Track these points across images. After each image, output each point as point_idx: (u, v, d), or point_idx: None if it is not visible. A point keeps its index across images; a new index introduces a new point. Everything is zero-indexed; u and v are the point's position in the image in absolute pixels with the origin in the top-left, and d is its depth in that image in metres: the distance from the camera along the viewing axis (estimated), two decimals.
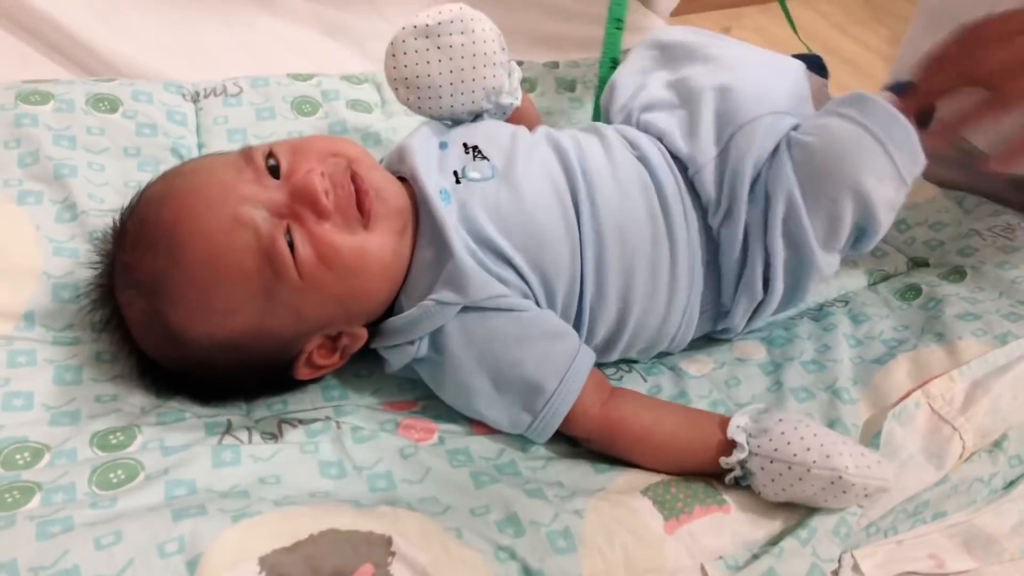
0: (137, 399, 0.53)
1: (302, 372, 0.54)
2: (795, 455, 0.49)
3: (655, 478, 0.52)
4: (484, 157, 0.57)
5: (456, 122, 0.62)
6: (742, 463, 0.51)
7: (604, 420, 0.54)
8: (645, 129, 0.63)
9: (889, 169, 0.57)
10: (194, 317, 0.50)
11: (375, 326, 0.56)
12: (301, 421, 0.54)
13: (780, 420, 0.51)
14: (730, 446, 0.51)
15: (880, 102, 0.58)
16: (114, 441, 0.49)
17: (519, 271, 0.54)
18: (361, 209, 0.53)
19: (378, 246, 0.53)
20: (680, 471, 0.53)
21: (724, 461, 0.51)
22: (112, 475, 0.46)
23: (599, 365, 0.62)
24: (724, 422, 0.53)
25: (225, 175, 0.52)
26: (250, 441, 0.51)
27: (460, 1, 0.59)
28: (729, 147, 0.59)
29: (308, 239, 0.50)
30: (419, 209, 0.55)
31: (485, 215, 0.55)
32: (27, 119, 0.64)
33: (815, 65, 0.74)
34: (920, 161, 0.59)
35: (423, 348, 0.54)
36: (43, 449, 0.48)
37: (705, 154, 0.60)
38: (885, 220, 0.59)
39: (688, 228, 0.60)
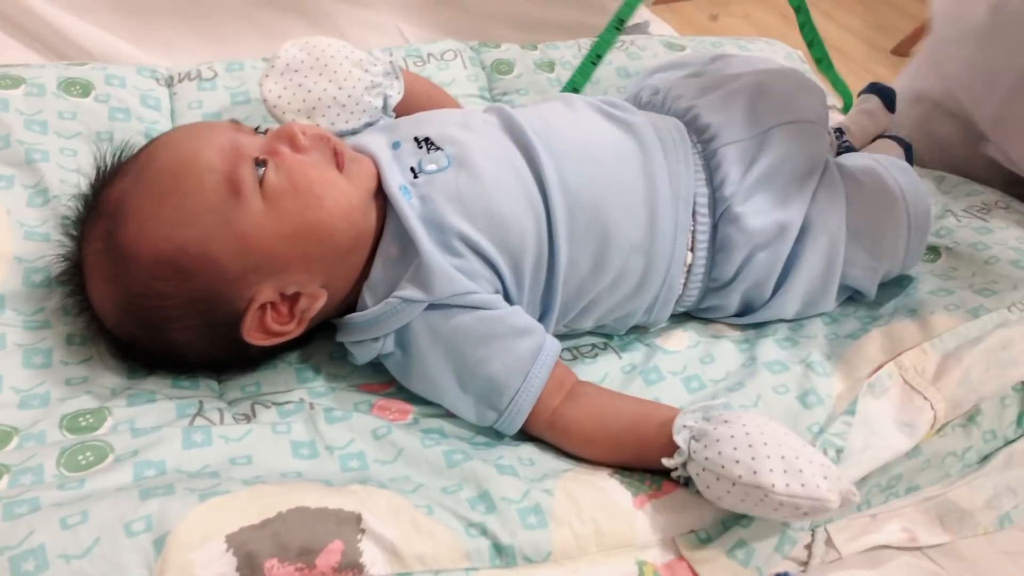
0: (108, 381, 0.53)
1: (252, 333, 0.52)
2: (723, 467, 0.46)
3: None
4: (438, 148, 0.57)
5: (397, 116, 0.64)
6: (684, 465, 0.49)
7: (552, 426, 0.54)
8: (671, 105, 0.67)
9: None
10: (143, 229, 0.50)
11: (338, 317, 0.56)
12: (274, 403, 0.54)
13: (725, 422, 0.48)
14: (674, 448, 0.49)
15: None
16: (83, 423, 0.49)
17: (485, 255, 0.54)
18: (336, 158, 0.55)
19: (347, 187, 0.54)
20: (632, 468, 0.53)
21: (665, 462, 0.49)
22: (81, 457, 0.46)
23: (575, 335, 0.63)
24: (671, 422, 0.50)
25: (210, 126, 0.56)
26: (222, 422, 0.51)
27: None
28: (769, 136, 0.63)
29: (282, 167, 0.52)
30: (384, 208, 0.55)
31: (447, 203, 0.54)
32: None
33: (887, 99, 0.81)
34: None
35: (388, 344, 0.54)
36: (12, 432, 0.48)
37: (735, 129, 0.63)
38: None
39: (676, 196, 0.61)
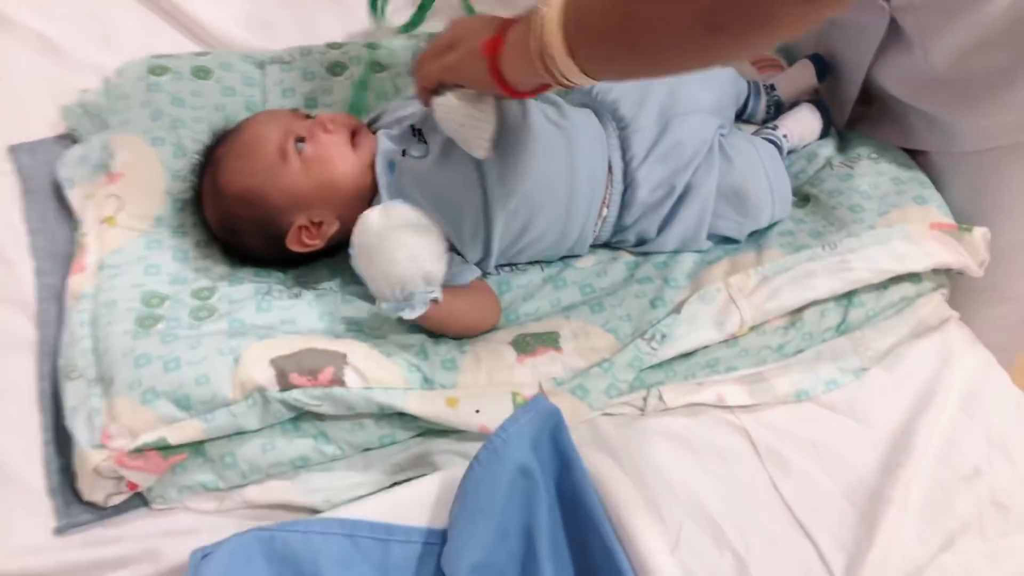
0: (218, 270, 0.88)
1: (293, 243, 0.84)
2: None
3: (518, 332, 0.82)
4: (424, 141, 0.85)
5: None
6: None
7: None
8: (601, 98, 0.91)
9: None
10: (229, 174, 0.84)
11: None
12: (314, 288, 0.87)
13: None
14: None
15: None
16: (203, 295, 0.84)
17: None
18: (352, 140, 0.85)
19: (353, 158, 0.84)
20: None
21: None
22: (201, 313, 0.81)
23: (515, 264, 0.92)
24: None
25: (276, 114, 0.88)
26: (280, 298, 0.85)
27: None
28: (669, 125, 0.88)
29: (314, 142, 0.83)
30: None
31: (414, 184, 0.83)
32: (154, 87, 0.97)
33: (820, 70, 1.00)
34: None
35: None
36: (166, 297, 0.83)
37: (646, 120, 0.88)
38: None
39: (592, 177, 0.86)
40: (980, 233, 0.88)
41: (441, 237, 0.77)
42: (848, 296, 0.88)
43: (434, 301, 0.76)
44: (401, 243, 0.74)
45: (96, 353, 0.78)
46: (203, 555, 0.60)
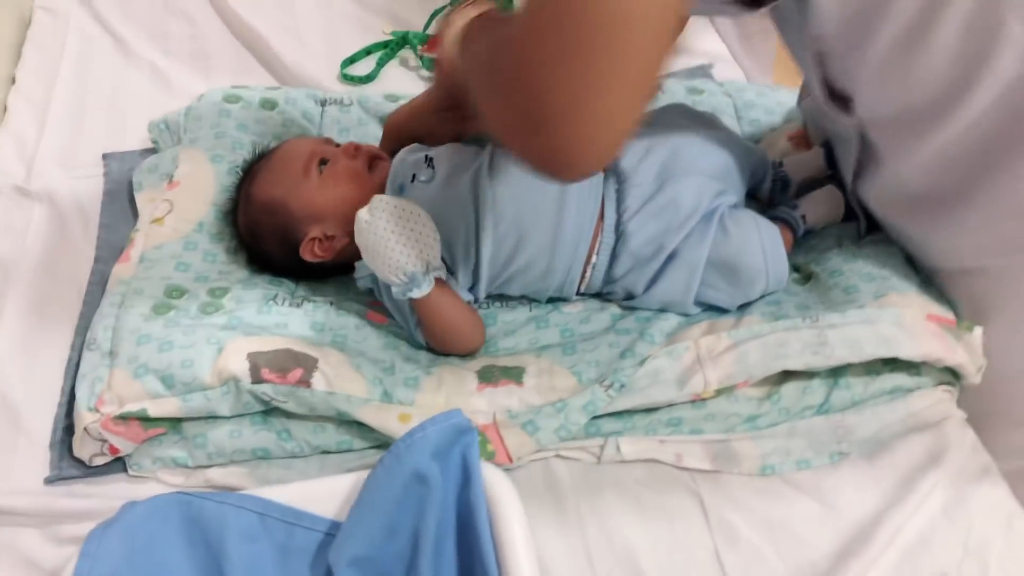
0: (238, 274, 0.97)
1: (305, 253, 0.92)
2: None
3: (488, 363, 0.85)
4: (432, 167, 0.92)
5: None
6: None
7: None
8: None
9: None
10: (259, 184, 0.94)
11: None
12: (316, 300, 0.94)
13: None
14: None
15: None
16: (218, 293, 0.93)
17: None
18: (371, 166, 0.94)
19: (368, 180, 0.93)
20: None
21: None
22: (209, 308, 0.90)
23: (505, 296, 0.95)
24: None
25: (309, 140, 0.99)
26: (283, 305, 0.92)
27: None
28: (666, 183, 0.90)
29: (335, 165, 0.93)
30: None
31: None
32: (225, 113, 1.10)
33: (829, 153, 1.00)
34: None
35: (369, 281, 0.91)
36: (186, 291, 0.93)
37: (644, 176, 0.91)
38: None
39: (581, 218, 0.90)
40: (979, 334, 0.84)
41: (429, 219, 0.82)
42: (834, 376, 0.85)
43: (438, 278, 0.83)
44: (391, 232, 0.81)
45: (114, 330, 0.88)
46: (132, 507, 0.66)
